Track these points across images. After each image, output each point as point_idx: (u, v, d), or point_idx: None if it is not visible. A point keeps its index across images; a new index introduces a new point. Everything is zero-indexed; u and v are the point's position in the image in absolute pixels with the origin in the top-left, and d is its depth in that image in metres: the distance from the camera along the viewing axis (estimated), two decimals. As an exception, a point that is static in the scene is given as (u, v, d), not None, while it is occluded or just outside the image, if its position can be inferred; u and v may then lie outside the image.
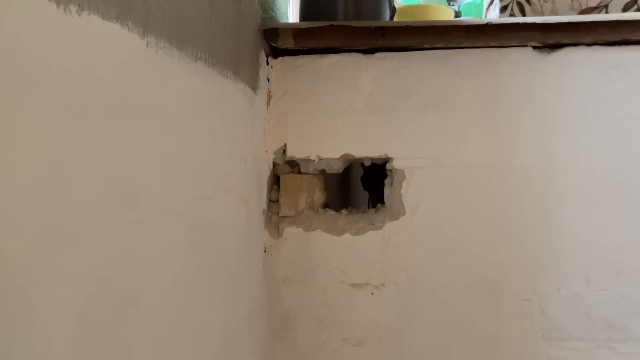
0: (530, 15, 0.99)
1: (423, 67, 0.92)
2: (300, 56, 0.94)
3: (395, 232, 0.91)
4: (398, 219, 0.91)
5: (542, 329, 0.89)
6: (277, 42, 0.90)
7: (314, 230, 0.93)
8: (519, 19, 0.93)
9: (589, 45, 0.89)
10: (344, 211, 0.95)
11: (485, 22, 0.87)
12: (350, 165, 0.99)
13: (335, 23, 0.90)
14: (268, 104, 0.94)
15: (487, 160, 0.90)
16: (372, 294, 0.92)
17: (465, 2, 1.36)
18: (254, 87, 0.86)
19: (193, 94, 0.60)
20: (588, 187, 0.89)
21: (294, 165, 0.95)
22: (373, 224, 0.92)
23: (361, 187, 1.32)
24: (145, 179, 0.49)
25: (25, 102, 0.33)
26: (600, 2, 0.97)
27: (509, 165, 0.90)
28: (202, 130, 0.63)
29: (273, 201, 0.95)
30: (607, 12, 0.97)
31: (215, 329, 0.68)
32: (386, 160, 0.92)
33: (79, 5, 0.38)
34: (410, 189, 0.91)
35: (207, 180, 0.65)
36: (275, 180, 0.96)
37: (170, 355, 0.55)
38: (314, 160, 0.93)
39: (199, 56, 0.61)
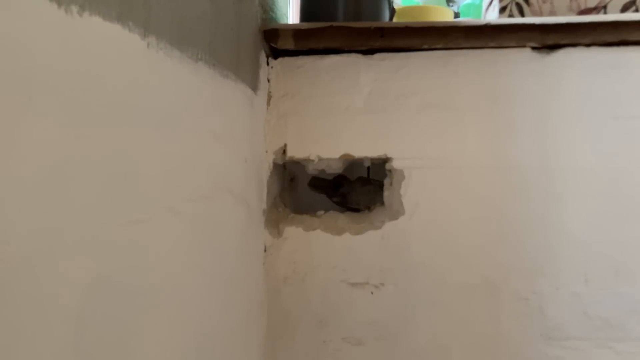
0: (529, 16, 0.99)
1: (422, 68, 0.92)
2: (300, 57, 0.95)
3: (395, 232, 0.92)
4: (397, 218, 0.92)
5: (541, 328, 0.89)
6: (277, 42, 0.90)
7: (314, 229, 0.93)
8: (518, 20, 0.94)
9: (587, 45, 0.89)
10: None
11: (484, 23, 0.88)
12: (351, 164, 0.99)
13: (335, 24, 0.90)
14: (268, 104, 0.95)
15: (486, 160, 0.91)
16: (372, 293, 0.92)
17: (465, 3, 1.36)
18: (254, 88, 0.86)
19: (194, 94, 0.60)
20: (586, 187, 0.89)
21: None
22: (372, 224, 0.92)
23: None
24: (146, 179, 0.49)
25: (26, 103, 0.33)
26: (599, 3, 0.97)
27: (507, 165, 0.90)
28: (202, 131, 0.63)
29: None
30: (605, 12, 0.97)
31: (216, 328, 0.69)
32: (385, 160, 0.93)
33: (80, 6, 0.38)
34: (410, 189, 0.91)
35: (207, 180, 0.65)
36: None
37: (170, 355, 0.55)
38: (313, 160, 0.94)
39: (199, 57, 0.61)
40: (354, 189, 1.03)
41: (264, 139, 0.94)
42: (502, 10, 1.01)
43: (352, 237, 0.93)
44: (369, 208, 0.96)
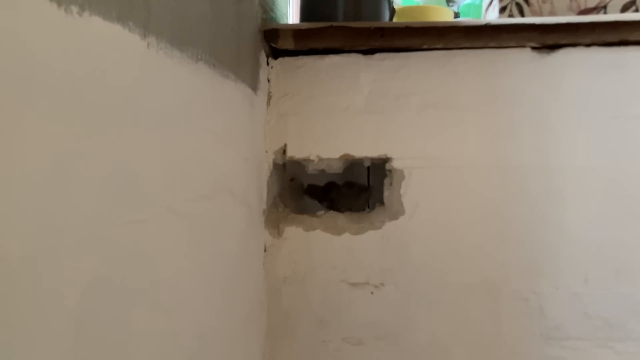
0: (529, 16, 0.99)
1: (422, 68, 0.92)
2: (300, 57, 0.95)
3: (395, 232, 0.92)
4: (397, 218, 0.92)
5: (541, 328, 0.89)
6: (277, 42, 0.90)
7: (314, 229, 0.93)
8: (518, 20, 0.94)
9: (587, 45, 0.89)
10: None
11: (484, 23, 0.88)
12: (351, 164, 0.99)
13: (335, 24, 0.90)
14: (268, 104, 0.95)
15: (486, 160, 0.91)
16: (372, 293, 0.92)
17: (465, 3, 1.36)
18: (254, 88, 0.86)
19: (194, 94, 0.60)
20: (586, 186, 0.89)
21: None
22: (372, 224, 0.92)
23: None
24: (146, 178, 0.49)
25: (26, 103, 0.33)
26: (599, 2, 0.97)
27: (507, 165, 0.90)
28: (202, 131, 0.63)
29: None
30: (605, 12, 0.97)
31: (216, 329, 0.69)
32: (385, 160, 0.93)
33: (80, 6, 0.38)
34: (410, 189, 0.92)
35: (207, 180, 0.65)
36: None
37: (170, 355, 0.55)
38: (313, 161, 0.94)
39: (199, 57, 0.61)
40: (341, 194, 1.03)
41: (264, 139, 0.94)
42: (502, 10, 1.01)
43: (352, 237, 0.93)
44: (350, 209, 0.96)
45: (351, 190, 1.03)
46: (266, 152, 0.94)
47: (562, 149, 0.90)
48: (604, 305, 0.88)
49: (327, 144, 0.94)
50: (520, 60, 0.90)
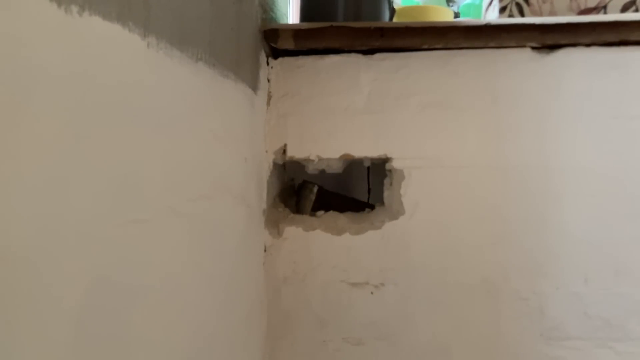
0: (529, 16, 0.99)
1: (422, 68, 0.92)
2: (300, 57, 0.95)
3: (395, 232, 0.92)
4: (397, 218, 0.92)
5: (541, 328, 0.89)
6: (277, 42, 0.90)
7: (314, 229, 0.93)
8: (518, 20, 0.94)
9: (587, 45, 0.89)
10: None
11: (484, 23, 0.88)
12: (351, 164, 0.99)
13: (335, 24, 0.90)
14: (268, 104, 0.95)
15: (486, 160, 0.91)
16: (372, 293, 0.92)
17: (465, 3, 1.36)
18: (254, 88, 0.86)
19: (194, 94, 0.60)
20: (586, 186, 0.89)
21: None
22: (372, 224, 0.92)
23: (361, 187, 1.32)
24: (146, 179, 0.49)
25: (26, 103, 0.33)
26: (599, 2, 0.97)
27: (507, 165, 0.90)
28: (202, 131, 0.63)
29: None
30: (605, 12, 0.97)
31: (216, 328, 0.69)
32: (385, 160, 0.93)
33: (80, 5, 0.38)
34: (410, 189, 0.92)
35: (207, 180, 0.65)
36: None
37: (170, 355, 0.55)
38: (313, 160, 0.94)
39: (199, 57, 0.61)
40: (301, 194, 1.03)
41: (264, 139, 0.94)
42: (502, 10, 1.01)
43: (352, 237, 0.93)
44: (298, 210, 0.96)
45: (304, 190, 1.03)
46: (266, 152, 0.94)
47: (562, 149, 0.90)
48: (604, 305, 0.88)
49: (327, 144, 0.94)
50: (520, 60, 0.90)
